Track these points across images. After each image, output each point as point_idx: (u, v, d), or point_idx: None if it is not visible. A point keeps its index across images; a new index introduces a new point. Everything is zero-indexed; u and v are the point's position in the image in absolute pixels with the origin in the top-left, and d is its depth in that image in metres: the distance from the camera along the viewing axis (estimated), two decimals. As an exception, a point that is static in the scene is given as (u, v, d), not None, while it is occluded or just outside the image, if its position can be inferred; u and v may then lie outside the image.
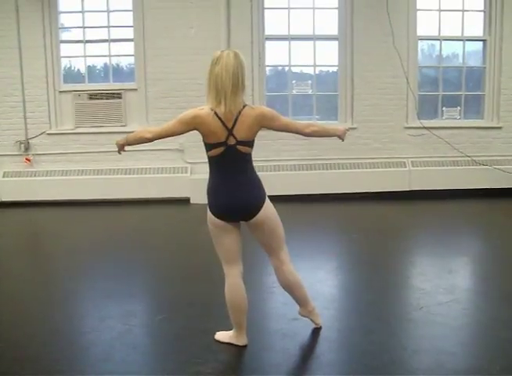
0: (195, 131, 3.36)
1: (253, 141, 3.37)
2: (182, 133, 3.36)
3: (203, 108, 3.29)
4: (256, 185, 3.42)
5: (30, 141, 8.55)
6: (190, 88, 8.17)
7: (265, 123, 3.34)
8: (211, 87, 3.25)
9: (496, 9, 8.60)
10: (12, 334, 3.87)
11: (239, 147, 3.31)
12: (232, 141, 3.28)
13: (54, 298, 4.66)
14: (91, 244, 6.39)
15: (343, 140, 3.70)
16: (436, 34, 8.82)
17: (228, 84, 3.20)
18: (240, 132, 3.28)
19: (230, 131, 3.27)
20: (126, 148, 3.52)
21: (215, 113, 3.24)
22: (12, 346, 3.65)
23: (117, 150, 3.54)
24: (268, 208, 3.44)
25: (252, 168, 3.43)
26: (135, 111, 8.58)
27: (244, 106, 3.29)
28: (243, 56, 3.31)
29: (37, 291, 4.84)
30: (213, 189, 3.40)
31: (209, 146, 3.33)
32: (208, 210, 3.43)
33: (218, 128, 3.25)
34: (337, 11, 8.66)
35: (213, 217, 3.41)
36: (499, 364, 3.28)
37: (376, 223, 7.15)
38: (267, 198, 3.46)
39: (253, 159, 3.44)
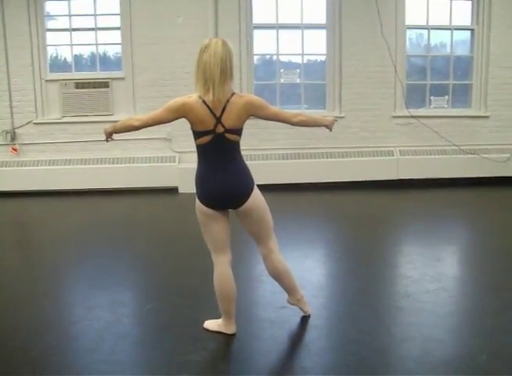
0: (183, 120, 3.35)
1: (241, 129, 3.36)
2: (170, 121, 3.34)
3: (191, 96, 3.27)
4: (244, 173, 3.42)
5: (16, 130, 8.48)
6: (178, 77, 8.13)
7: (253, 111, 3.33)
8: (199, 75, 3.24)
9: (484, -1, 8.61)
10: (-1, 324, 3.86)
11: (228, 135, 3.29)
12: (220, 129, 3.27)
13: (42, 288, 4.63)
14: (79, 233, 6.36)
15: (330, 130, 3.70)
16: (424, 23, 8.83)
17: (217, 72, 3.18)
18: (228, 120, 3.27)
19: (218, 120, 3.25)
20: (114, 136, 3.50)
21: (203, 101, 3.23)
22: (0, 337, 3.63)
23: (104, 138, 3.52)
24: (257, 196, 3.44)
25: (240, 156, 3.42)
26: (122, 100, 8.52)
27: (232, 94, 3.28)
28: (232, 44, 3.30)
29: (25, 280, 4.82)
30: (201, 178, 3.39)
31: (197, 134, 3.32)
32: (197, 198, 3.43)
33: (206, 116, 3.24)
34: (325, 0, 8.63)
35: (201, 205, 3.40)
36: (487, 351, 3.31)
37: (364, 212, 7.17)
38: (255, 186, 3.46)
39: (241, 148, 3.43)
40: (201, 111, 3.23)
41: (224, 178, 3.33)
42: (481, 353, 3.29)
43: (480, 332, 3.62)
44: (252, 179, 3.45)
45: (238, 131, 3.35)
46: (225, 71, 3.21)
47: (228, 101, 3.25)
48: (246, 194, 3.38)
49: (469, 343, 3.50)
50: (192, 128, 3.34)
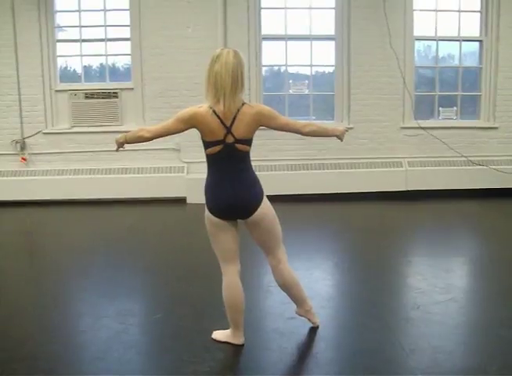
0: (192, 131, 3.36)
1: (251, 139, 3.37)
2: (181, 131, 3.35)
3: (201, 106, 3.28)
4: (254, 183, 3.41)
5: (25, 140, 8.52)
6: (187, 88, 8.17)
7: (263, 121, 3.33)
8: (210, 85, 3.24)
9: (493, 10, 8.60)
10: (7, 334, 3.85)
11: (238, 145, 3.30)
12: (230, 139, 3.27)
13: (50, 297, 4.63)
14: (87, 243, 6.37)
15: (342, 140, 3.70)
16: (433, 34, 8.82)
17: (228, 83, 3.19)
18: (239, 131, 3.27)
19: (228, 130, 3.26)
20: (125, 146, 3.50)
21: (214, 112, 3.23)
22: (8, 345, 3.63)
23: (114, 148, 3.52)
24: (266, 207, 3.44)
25: (250, 166, 3.42)
26: (131, 111, 8.56)
27: (243, 105, 3.29)
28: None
29: (33, 290, 4.82)
30: (211, 188, 3.39)
31: (207, 144, 3.32)
32: (206, 208, 3.42)
33: (216, 126, 3.24)
34: (333, 11, 8.65)
35: (211, 215, 3.40)
36: (497, 363, 3.28)
37: (373, 223, 7.15)
38: (265, 197, 3.45)
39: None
40: (211, 121, 3.24)
41: (234, 188, 3.33)
42: (491, 365, 3.26)
43: (490, 343, 3.59)
44: (262, 189, 3.44)
45: (248, 142, 3.35)
46: (236, 82, 3.21)
47: (238, 111, 3.25)
48: (255, 204, 3.38)
49: (479, 355, 3.47)
50: (202, 138, 3.35)
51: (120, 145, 3.48)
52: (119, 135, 3.49)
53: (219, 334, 3.65)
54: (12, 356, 3.47)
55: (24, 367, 3.33)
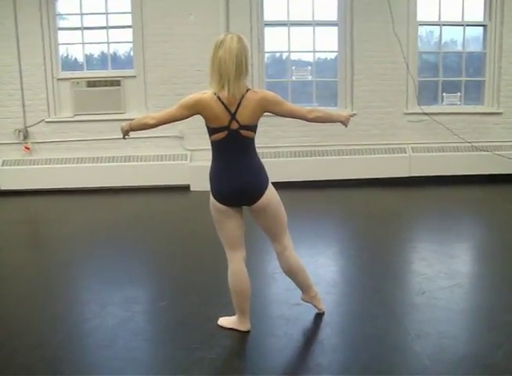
0: (195, 118, 3.35)
1: (256, 126, 3.35)
2: (186, 118, 3.34)
3: (205, 92, 3.26)
4: (259, 169, 3.41)
5: (28, 129, 8.52)
6: (189, 75, 8.15)
7: (268, 107, 3.32)
8: (214, 71, 3.22)
9: (497, -6, 8.55)
10: (13, 323, 3.87)
11: (242, 132, 3.28)
12: (234, 125, 3.26)
13: (55, 285, 4.65)
14: (91, 231, 6.38)
15: (346, 126, 3.69)
16: (436, 19, 8.76)
17: (232, 68, 3.17)
18: (243, 117, 3.26)
19: (233, 116, 3.24)
20: (130, 134, 3.50)
21: (218, 98, 3.22)
22: (14, 334, 3.64)
23: (119, 137, 3.53)
24: (271, 193, 3.43)
25: (255, 152, 3.41)
26: (133, 98, 8.54)
27: (247, 91, 3.27)
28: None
29: (38, 278, 4.83)
30: (216, 174, 3.38)
31: (212, 131, 3.31)
32: (211, 195, 3.42)
33: (220, 113, 3.23)
34: (336, -4, 8.61)
35: (216, 202, 3.40)
36: (503, 348, 3.28)
37: (377, 209, 7.14)
38: (270, 183, 3.45)
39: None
40: (216, 107, 3.22)
41: (238, 175, 3.32)
42: (497, 350, 3.27)
43: (496, 329, 3.59)
44: (267, 176, 3.44)
45: (253, 128, 3.33)
46: (241, 67, 3.19)
47: (243, 97, 3.24)
48: (260, 191, 3.37)
49: (484, 340, 3.48)
50: (206, 125, 3.34)
51: (126, 133, 3.49)
52: (123, 123, 3.48)
53: (225, 321, 3.66)
54: (18, 345, 3.49)
55: (30, 356, 3.34)
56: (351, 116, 3.70)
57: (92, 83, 8.47)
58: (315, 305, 3.82)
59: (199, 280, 4.58)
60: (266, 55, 8.82)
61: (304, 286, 3.76)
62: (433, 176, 8.60)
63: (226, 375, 3.21)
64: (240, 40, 3.23)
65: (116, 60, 8.83)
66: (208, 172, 3.43)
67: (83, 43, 8.63)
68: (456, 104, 8.94)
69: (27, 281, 4.75)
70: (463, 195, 7.91)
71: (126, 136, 3.51)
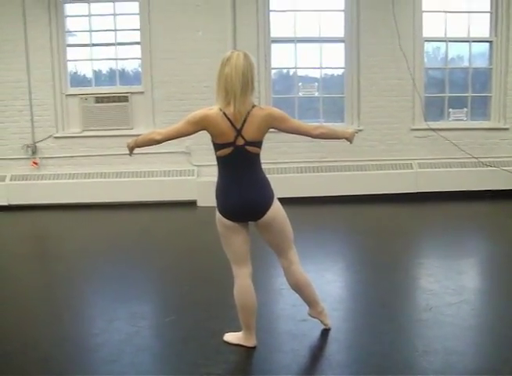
0: (202, 134, 3.37)
1: (261, 142, 3.37)
2: (192, 134, 3.36)
3: (212, 108, 3.29)
4: (264, 185, 3.42)
5: (37, 144, 8.58)
6: (197, 91, 8.19)
7: (273, 124, 3.34)
8: (221, 87, 3.25)
9: (503, 10, 8.58)
10: (20, 337, 3.87)
11: (248, 148, 3.30)
12: (240, 141, 3.28)
13: (62, 300, 4.66)
14: (99, 246, 6.40)
15: (351, 142, 3.69)
16: (442, 35, 8.81)
17: (238, 85, 3.20)
18: (249, 133, 3.28)
19: (239, 132, 3.27)
20: (136, 150, 3.52)
21: (224, 114, 3.24)
22: (22, 348, 3.65)
23: (127, 152, 3.54)
24: (277, 208, 3.44)
25: (260, 168, 3.43)
26: (141, 114, 8.59)
27: (253, 107, 3.30)
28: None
29: (45, 293, 4.84)
30: (222, 190, 3.40)
31: (218, 147, 3.34)
32: (217, 210, 3.43)
33: (226, 129, 3.25)
34: (343, 13, 8.65)
35: (222, 217, 3.41)
36: (510, 364, 3.27)
37: (384, 225, 7.13)
38: (275, 198, 3.46)
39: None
40: (222, 124, 3.25)
41: (244, 190, 3.34)
42: (505, 366, 3.25)
43: (503, 345, 3.57)
44: (272, 191, 3.45)
45: (258, 144, 3.35)
46: (247, 84, 3.22)
47: (248, 113, 3.26)
48: (266, 206, 3.38)
49: (492, 356, 3.46)
50: (212, 141, 3.36)
51: (132, 149, 3.51)
52: (129, 140, 3.51)
53: (231, 337, 3.65)
54: (25, 359, 3.49)
55: (37, 370, 3.35)
56: (356, 132, 3.71)
57: (100, 99, 8.54)
58: (321, 321, 3.81)
59: (205, 296, 4.57)
60: (273, 71, 8.88)
61: (311, 301, 3.75)
62: (440, 192, 8.58)
63: (232, 391, 3.20)
64: (246, 57, 3.26)
65: (124, 76, 8.90)
66: (215, 188, 3.45)
67: (91, 59, 8.72)
68: (462, 120, 8.94)
69: (34, 296, 4.77)
70: (470, 211, 7.89)
71: (132, 153, 3.54)
